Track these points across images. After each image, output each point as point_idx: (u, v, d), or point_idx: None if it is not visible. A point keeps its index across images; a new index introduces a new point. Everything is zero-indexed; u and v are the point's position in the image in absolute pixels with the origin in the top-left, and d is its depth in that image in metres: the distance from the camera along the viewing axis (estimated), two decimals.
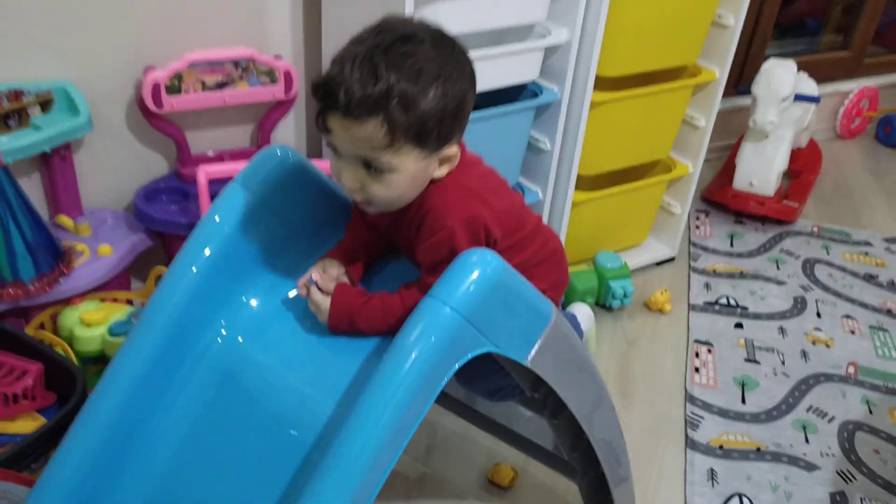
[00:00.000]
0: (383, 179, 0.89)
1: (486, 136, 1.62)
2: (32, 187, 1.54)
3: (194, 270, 0.97)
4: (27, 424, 1.24)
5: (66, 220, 1.56)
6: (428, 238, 0.92)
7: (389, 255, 1.07)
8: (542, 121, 1.72)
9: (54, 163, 1.52)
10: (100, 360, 1.41)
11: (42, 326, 1.46)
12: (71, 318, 1.43)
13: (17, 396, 1.24)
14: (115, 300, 1.52)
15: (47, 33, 1.45)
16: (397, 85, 0.83)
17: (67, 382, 1.29)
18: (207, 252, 0.97)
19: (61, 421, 1.18)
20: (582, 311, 1.51)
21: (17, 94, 1.43)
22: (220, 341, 0.98)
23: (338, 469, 0.80)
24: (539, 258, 1.07)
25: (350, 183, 0.90)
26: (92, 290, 1.50)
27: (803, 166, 2.52)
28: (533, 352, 0.95)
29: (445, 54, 0.87)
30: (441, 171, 0.93)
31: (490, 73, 1.55)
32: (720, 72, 1.86)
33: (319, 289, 0.96)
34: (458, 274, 0.83)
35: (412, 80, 0.83)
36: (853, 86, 2.86)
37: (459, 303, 0.82)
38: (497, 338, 0.88)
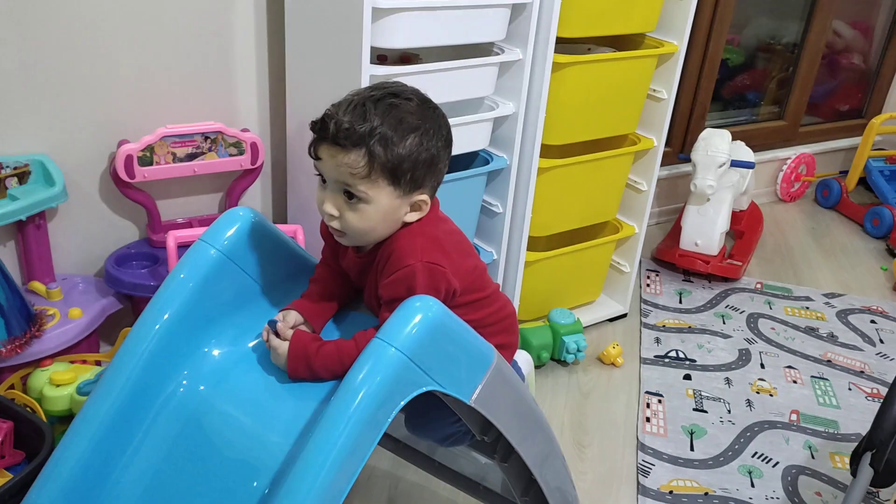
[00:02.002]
0: (359, 209, 1.00)
1: (443, 200, 1.69)
2: (7, 254, 1.61)
3: (157, 328, 1.03)
4: None
5: (38, 285, 1.62)
6: (390, 275, 1.02)
7: (349, 309, 1.16)
8: (494, 185, 1.83)
9: (29, 231, 1.59)
10: (68, 419, 1.45)
11: (12, 387, 1.50)
12: (41, 378, 1.47)
13: None
14: (84, 361, 1.57)
15: (26, 110, 1.54)
16: (380, 127, 0.97)
17: (36, 441, 1.32)
18: (172, 308, 1.04)
19: (28, 476, 1.21)
20: (522, 357, 1.58)
21: None
22: (181, 390, 1.04)
23: None
24: (494, 319, 1.16)
25: (330, 209, 1.01)
26: (62, 352, 1.55)
27: (745, 227, 2.67)
28: (476, 392, 1.03)
29: (427, 114, 1.02)
30: (411, 217, 1.04)
31: None
32: (657, 139, 2.01)
33: (277, 335, 1.03)
34: (403, 317, 0.92)
35: (394, 126, 0.98)
36: (790, 153, 3.06)
37: (404, 344, 0.90)
38: (441, 377, 0.96)
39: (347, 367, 0.98)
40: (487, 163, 1.78)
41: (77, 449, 1.00)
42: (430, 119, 1.02)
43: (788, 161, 3.03)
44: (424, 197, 1.04)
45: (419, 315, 0.92)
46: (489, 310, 1.14)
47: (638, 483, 1.66)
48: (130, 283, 1.62)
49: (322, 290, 1.12)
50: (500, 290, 1.30)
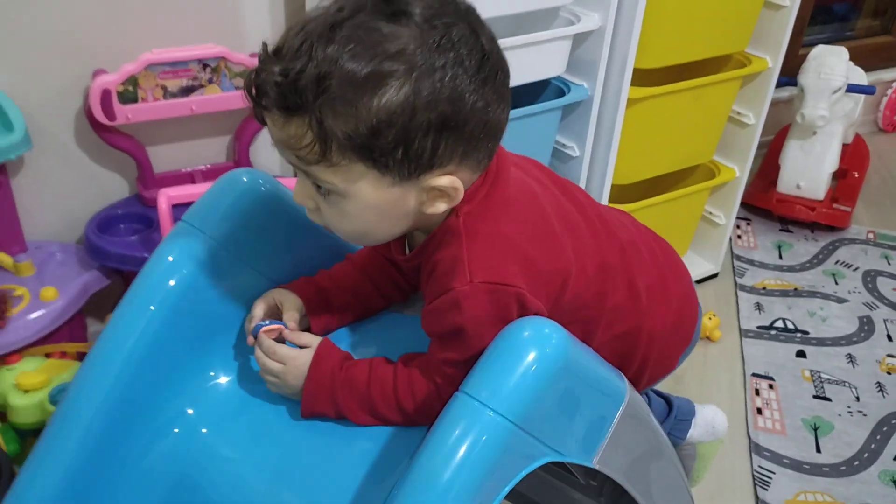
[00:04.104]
0: (335, 205, 0.65)
1: (502, 143, 1.37)
2: None
3: (142, 327, 0.73)
4: None
5: (4, 257, 1.29)
6: (432, 299, 0.66)
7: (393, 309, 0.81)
8: (569, 123, 1.46)
9: None
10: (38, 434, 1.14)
11: None
12: (6, 381, 1.16)
13: None
14: (63, 355, 1.25)
15: None
16: (335, 68, 0.58)
17: None
18: (157, 302, 0.73)
19: None
20: (716, 417, 1.13)
21: None
22: (177, 431, 0.73)
23: None
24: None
25: (300, 199, 0.68)
26: (33, 344, 1.23)
27: (850, 164, 2.26)
28: (602, 448, 0.68)
29: (432, 37, 0.61)
30: (438, 208, 0.66)
31: (511, 66, 1.30)
32: (773, 60, 1.60)
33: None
34: (504, 362, 0.57)
35: (360, 62, 0.58)
36: None
37: (509, 407, 0.56)
38: (560, 442, 0.62)
39: (376, 406, 0.67)
40: (563, 94, 1.41)
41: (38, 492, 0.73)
42: (445, 48, 0.61)
43: (894, 84, 2.59)
44: (446, 180, 0.64)
45: (531, 355, 0.57)
46: (615, 330, 0.78)
47: (756, 497, 1.33)
48: (116, 254, 1.29)
49: (352, 274, 0.77)
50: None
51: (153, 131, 1.37)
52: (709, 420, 1.08)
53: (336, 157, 0.61)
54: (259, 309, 0.75)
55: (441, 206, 0.66)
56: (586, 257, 0.73)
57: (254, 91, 0.61)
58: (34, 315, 1.24)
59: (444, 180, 0.64)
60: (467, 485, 0.54)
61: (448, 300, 0.64)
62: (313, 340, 0.72)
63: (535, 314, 0.65)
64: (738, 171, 1.73)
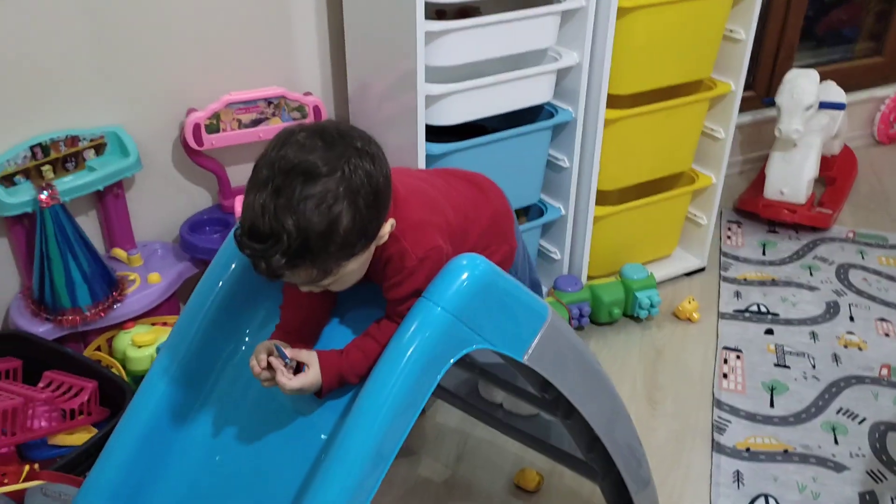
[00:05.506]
0: (337, 283, 0.93)
1: (506, 156, 1.70)
2: (89, 223, 1.69)
3: (219, 286, 1.07)
4: (83, 437, 1.36)
5: (120, 252, 1.70)
6: (392, 278, 0.97)
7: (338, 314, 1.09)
8: (559, 140, 1.79)
9: (108, 200, 1.66)
10: None
11: (99, 349, 1.59)
12: (124, 340, 1.56)
13: (74, 411, 1.37)
14: (164, 324, 1.64)
15: (99, 83, 1.60)
16: (307, 233, 0.83)
17: (120, 398, 1.41)
18: (236, 263, 1.07)
19: (111, 432, 1.29)
20: None
21: (73, 140, 1.58)
22: (244, 348, 1.07)
23: (341, 463, 0.87)
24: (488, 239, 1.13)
25: (312, 289, 0.93)
26: (143, 315, 1.63)
27: (837, 173, 2.51)
28: (530, 349, 1.01)
29: (333, 155, 0.86)
30: (386, 233, 0.94)
31: (507, 96, 1.64)
32: (735, 84, 1.90)
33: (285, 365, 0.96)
34: (449, 277, 0.91)
35: (319, 220, 0.84)
36: (889, 91, 2.84)
37: (449, 303, 0.90)
38: (491, 335, 0.95)
39: (371, 364, 0.94)
40: (552, 116, 1.74)
41: (152, 400, 1.05)
42: (341, 157, 0.86)
43: (887, 100, 2.82)
44: (388, 225, 0.93)
45: (465, 273, 0.91)
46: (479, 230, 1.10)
47: (713, 440, 1.61)
48: (204, 248, 1.68)
49: (300, 315, 1.02)
50: (514, 237, 1.20)
51: (230, 154, 1.76)
52: None
53: (334, 270, 0.88)
54: (263, 350, 0.98)
55: (387, 229, 0.93)
56: (453, 210, 1.06)
57: (262, 274, 0.87)
58: (143, 294, 1.63)
59: (386, 227, 0.92)
60: (422, 352, 0.87)
61: (405, 274, 0.95)
62: (309, 355, 0.95)
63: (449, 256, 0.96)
64: (714, 178, 2.02)
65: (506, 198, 1.21)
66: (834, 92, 2.35)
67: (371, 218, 0.89)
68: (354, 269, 0.92)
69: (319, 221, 0.84)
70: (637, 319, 1.94)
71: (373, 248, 0.93)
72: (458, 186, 1.12)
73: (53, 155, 1.56)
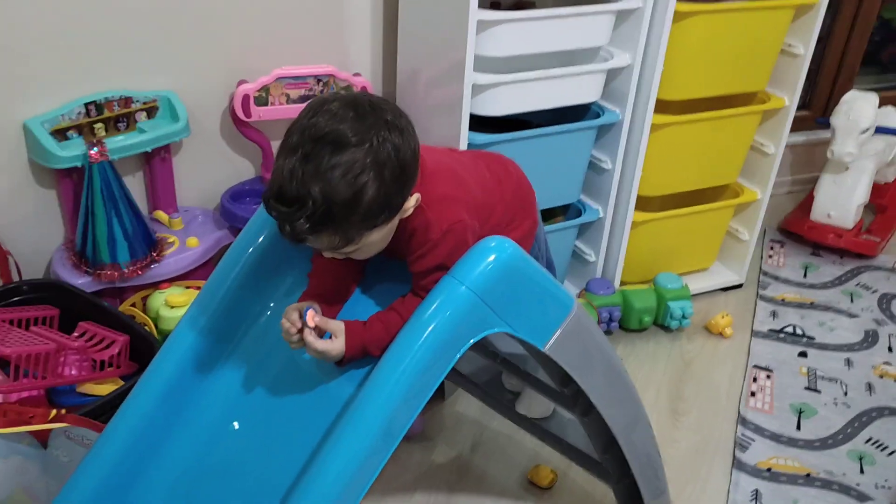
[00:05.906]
0: (360, 251, 0.95)
1: (549, 153, 1.70)
2: (135, 184, 1.73)
3: (250, 251, 1.09)
4: (110, 388, 1.40)
5: (162, 214, 1.73)
6: (416, 251, 0.98)
7: (366, 285, 1.11)
8: (604, 141, 1.77)
9: (155, 163, 1.70)
10: None
11: (133, 305, 1.63)
12: (158, 299, 1.59)
13: (104, 363, 1.40)
14: (198, 288, 1.67)
15: (156, 49, 1.64)
16: (334, 198, 0.85)
17: (149, 355, 1.43)
18: (264, 233, 1.09)
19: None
20: None
21: (126, 101, 1.62)
22: (269, 313, 1.09)
23: (353, 432, 0.88)
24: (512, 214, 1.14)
25: (336, 256, 0.96)
26: (179, 277, 1.66)
27: (889, 201, 2.45)
28: (552, 340, 1.01)
29: (363, 125, 0.87)
30: (411, 207, 0.94)
31: (554, 92, 1.63)
32: (789, 99, 1.86)
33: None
34: (477, 256, 0.91)
35: (345, 187, 0.85)
36: None
37: (475, 282, 0.90)
38: (513, 320, 0.95)
39: (393, 336, 0.94)
40: (598, 116, 1.72)
41: (180, 349, 1.08)
42: (371, 128, 0.87)
43: None
44: (412, 200, 0.94)
45: (493, 255, 0.91)
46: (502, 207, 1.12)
47: (734, 457, 1.58)
48: (243, 217, 1.70)
49: (327, 281, 1.04)
50: (526, 229, 1.20)
51: (277, 128, 1.78)
52: None
53: (357, 237, 0.90)
54: (294, 310, 0.99)
55: (412, 202, 0.94)
56: (479, 185, 1.07)
57: (286, 237, 0.89)
58: (181, 256, 1.67)
59: (411, 201, 0.94)
60: (442, 329, 0.88)
61: (429, 247, 0.96)
62: (337, 325, 0.97)
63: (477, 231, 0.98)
64: (760, 193, 1.98)
65: (525, 176, 1.22)
66: (893, 118, 2.29)
67: (396, 191, 0.90)
68: (377, 239, 0.93)
69: (345, 191, 0.85)
70: (667, 329, 1.91)
71: (396, 220, 0.94)
72: (483, 163, 1.14)
73: (107, 114, 1.60)
